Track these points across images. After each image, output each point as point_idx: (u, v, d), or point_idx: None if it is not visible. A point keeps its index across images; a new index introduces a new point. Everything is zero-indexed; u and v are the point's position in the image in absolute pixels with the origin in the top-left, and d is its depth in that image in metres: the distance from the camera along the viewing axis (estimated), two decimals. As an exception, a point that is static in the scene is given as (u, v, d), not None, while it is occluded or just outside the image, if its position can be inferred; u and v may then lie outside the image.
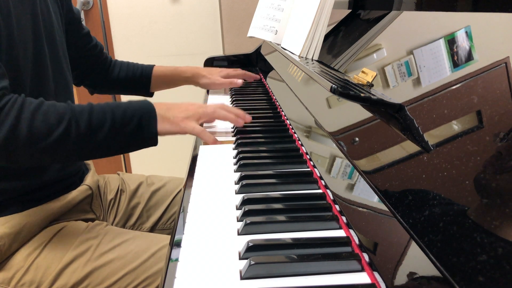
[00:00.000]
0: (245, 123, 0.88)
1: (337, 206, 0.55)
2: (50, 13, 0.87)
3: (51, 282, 0.77)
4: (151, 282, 0.77)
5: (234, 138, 0.85)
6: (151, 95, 1.23)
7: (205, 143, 0.83)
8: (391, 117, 0.55)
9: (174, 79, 1.21)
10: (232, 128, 0.93)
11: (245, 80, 1.33)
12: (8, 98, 0.67)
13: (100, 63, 1.11)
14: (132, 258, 0.79)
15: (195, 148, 0.82)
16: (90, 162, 1.03)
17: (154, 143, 0.77)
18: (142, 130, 0.75)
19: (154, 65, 1.20)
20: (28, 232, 0.80)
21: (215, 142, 0.83)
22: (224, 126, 0.95)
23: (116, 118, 0.73)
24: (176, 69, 1.21)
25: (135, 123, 0.74)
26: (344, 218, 0.52)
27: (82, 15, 2.14)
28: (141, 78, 1.18)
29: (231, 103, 1.16)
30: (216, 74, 1.22)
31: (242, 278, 0.43)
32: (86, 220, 0.89)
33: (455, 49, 0.53)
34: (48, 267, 0.77)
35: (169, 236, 0.84)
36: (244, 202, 0.57)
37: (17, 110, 0.67)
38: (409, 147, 0.49)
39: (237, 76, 1.25)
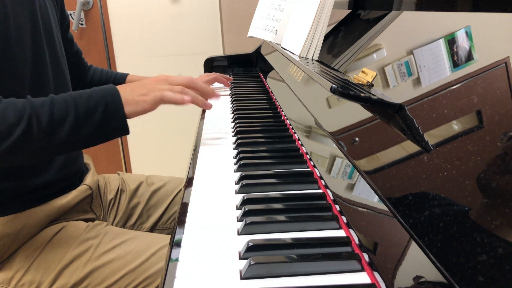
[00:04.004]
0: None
1: (337, 206, 0.55)
2: (48, 13, 0.86)
3: (51, 282, 0.77)
4: (151, 282, 0.77)
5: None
6: None
7: (175, 103, 0.77)
8: (391, 117, 0.55)
9: None
10: (232, 128, 0.93)
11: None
12: None
13: (78, 68, 1.11)
14: (132, 258, 0.79)
15: (195, 148, 0.82)
16: (90, 162, 1.03)
17: (124, 131, 0.72)
18: (110, 119, 0.70)
19: (128, 74, 1.19)
20: (28, 232, 0.80)
21: (184, 101, 0.77)
22: (224, 131, 0.95)
23: (80, 108, 0.68)
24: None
25: (101, 111, 0.69)
26: (344, 218, 0.52)
27: (82, 15, 2.14)
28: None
29: (231, 103, 1.16)
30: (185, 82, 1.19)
31: (242, 278, 0.43)
32: (86, 220, 0.89)
33: (455, 49, 0.53)
34: (48, 267, 0.77)
35: (169, 236, 0.84)
36: (244, 202, 0.57)
37: None
38: (409, 147, 0.49)
39: (210, 82, 1.23)
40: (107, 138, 0.72)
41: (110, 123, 0.70)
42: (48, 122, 0.66)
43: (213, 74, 1.27)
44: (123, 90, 0.73)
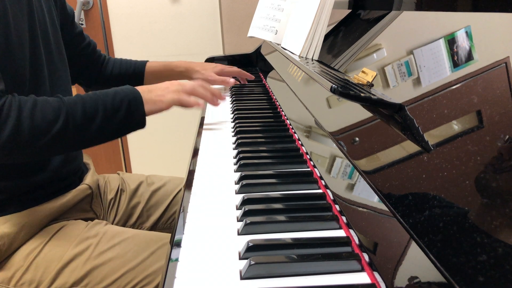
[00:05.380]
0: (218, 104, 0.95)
1: (337, 206, 0.55)
2: (44, 12, 0.87)
3: (51, 281, 0.77)
4: (151, 280, 0.77)
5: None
6: None
7: (188, 107, 0.88)
8: (391, 117, 0.55)
9: (167, 74, 1.22)
10: (232, 128, 0.93)
11: (238, 82, 1.32)
12: (5, 99, 0.69)
13: (93, 62, 1.12)
14: (132, 257, 0.79)
15: (195, 148, 0.82)
16: (89, 162, 1.03)
17: (143, 125, 0.82)
18: (132, 115, 0.79)
19: (147, 61, 1.21)
20: (27, 231, 0.80)
21: (198, 104, 0.89)
22: (224, 130, 0.95)
23: (107, 106, 0.76)
24: (170, 64, 1.22)
25: (125, 108, 0.78)
26: (344, 218, 0.52)
27: (82, 15, 2.14)
28: (134, 74, 1.18)
29: (231, 103, 1.16)
30: (210, 69, 1.22)
31: (242, 278, 0.43)
32: (86, 220, 0.89)
33: (455, 49, 0.53)
34: (47, 266, 0.77)
35: (169, 235, 0.84)
36: (244, 202, 0.57)
37: (17, 111, 0.69)
38: (409, 147, 0.49)
39: (232, 74, 1.26)
40: (128, 131, 0.81)
41: (132, 119, 0.79)
42: (82, 118, 0.74)
43: (235, 68, 1.29)
44: (142, 91, 0.82)
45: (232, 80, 1.19)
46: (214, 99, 0.93)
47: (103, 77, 1.15)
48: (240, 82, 1.35)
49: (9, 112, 0.68)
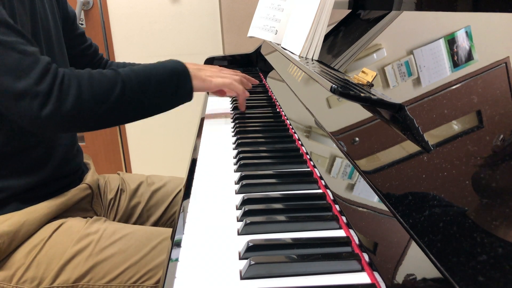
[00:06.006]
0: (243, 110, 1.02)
1: (337, 206, 0.55)
2: (47, 12, 0.87)
3: (53, 278, 0.77)
4: (153, 275, 0.78)
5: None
6: None
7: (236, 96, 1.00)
8: (391, 117, 0.55)
9: None
10: (232, 128, 0.93)
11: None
12: (62, 70, 0.73)
13: (93, 64, 1.12)
14: (133, 252, 0.79)
15: (195, 148, 0.82)
16: (90, 162, 1.03)
17: (190, 98, 0.87)
18: (182, 87, 0.85)
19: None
20: (27, 230, 0.80)
21: (245, 93, 0.98)
22: (224, 130, 0.95)
23: (159, 76, 0.82)
24: None
25: (175, 81, 0.84)
26: (344, 218, 0.52)
27: (82, 15, 2.14)
28: None
29: (231, 103, 1.16)
30: None
31: (242, 278, 0.43)
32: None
33: (455, 49, 0.53)
34: (49, 263, 0.78)
35: (170, 229, 0.84)
36: (244, 202, 0.57)
37: (77, 80, 0.73)
38: (409, 147, 0.49)
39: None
40: (178, 102, 0.86)
41: (181, 90, 0.85)
42: (137, 87, 0.79)
43: (239, 73, 1.23)
44: (191, 68, 0.88)
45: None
46: (244, 103, 1.01)
47: None
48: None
49: (70, 82, 0.72)
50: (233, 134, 0.89)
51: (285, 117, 0.96)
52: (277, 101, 1.10)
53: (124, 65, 1.17)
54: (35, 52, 0.72)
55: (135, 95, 0.78)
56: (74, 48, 1.04)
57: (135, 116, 0.83)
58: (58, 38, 0.91)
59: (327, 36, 0.96)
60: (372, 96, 0.56)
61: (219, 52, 2.20)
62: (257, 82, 1.29)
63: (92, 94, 0.74)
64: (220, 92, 1.02)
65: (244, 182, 0.62)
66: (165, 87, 0.82)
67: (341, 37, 1.00)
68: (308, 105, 0.84)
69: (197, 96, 1.49)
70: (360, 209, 0.50)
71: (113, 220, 1.01)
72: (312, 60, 0.93)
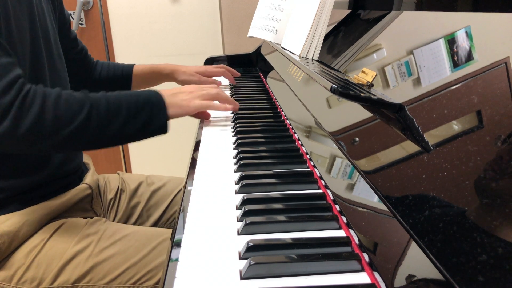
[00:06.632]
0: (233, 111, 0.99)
1: (337, 206, 0.55)
2: (45, 13, 0.87)
3: (53, 278, 0.77)
4: (152, 276, 0.78)
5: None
6: None
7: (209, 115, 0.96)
8: (391, 117, 0.55)
9: (153, 77, 1.23)
10: (232, 128, 0.93)
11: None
12: (29, 86, 0.69)
13: (84, 66, 1.12)
14: (133, 253, 0.79)
15: (195, 148, 0.82)
16: (89, 162, 1.03)
17: (165, 130, 0.80)
18: (155, 117, 0.78)
19: (134, 64, 1.21)
20: (27, 230, 0.80)
21: (227, 109, 0.94)
22: (224, 131, 0.95)
23: (131, 105, 0.76)
24: (156, 66, 1.23)
25: (148, 112, 0.77)
26: (344, 218, 0.52)
27: (82, 15, 2.14)
28: (122, 78, 1.19)
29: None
30: (194, 70, 1.24)
31: (242, 278, 0.43)
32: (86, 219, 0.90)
33: (455, 49, 0.53)
34: (49, 263, 0.78)
35: (170, 230, 0.84)
36: (244, 202, 0.57)
37: (41, 99, 0.69)
38: (409, 147, 0.49)
39: (217, 74, 1.28)
40: (150, 134, 0.79)
41: (154, 121, 0.78)
42: (105, 114, 0.73)
43: (222, 67, 1.30)
44: (166, 94, 0.82)
45: (218, 81, 1.24)
46: (228, 107, 0.96)
47: (92, 81, 1.15)
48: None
49: (34, 100, 0.68)
50: (233, 134, 0.89)
51: (285, 117, 0.96)
52: (277, 101, 1.10)
53: (108, 65, 1.18)
54: (7, 63, 0.69)
55: (102, 122, 0.73)
56: (68, 52, 1.04)
57: (100, 144, 0.77)
58: (56, 40, 0.91)
59: (327, 36, 0.96)
60: (372, 96, 0.56)
61: (219, 52, 2.20)
62: (238, 74, 1.35)
63: (54, 115, 0.69)
64: (202, 114, 0.97)
65: (244, 182, 0.62)
66: (137, 117, 0.76)
67: (341, 37, 1.00)
68: (308, 105, 0.84)
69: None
70: (360, 209, 0.50)
71: (113, 220, 1.01)
72: (312, 60, 0.93)
